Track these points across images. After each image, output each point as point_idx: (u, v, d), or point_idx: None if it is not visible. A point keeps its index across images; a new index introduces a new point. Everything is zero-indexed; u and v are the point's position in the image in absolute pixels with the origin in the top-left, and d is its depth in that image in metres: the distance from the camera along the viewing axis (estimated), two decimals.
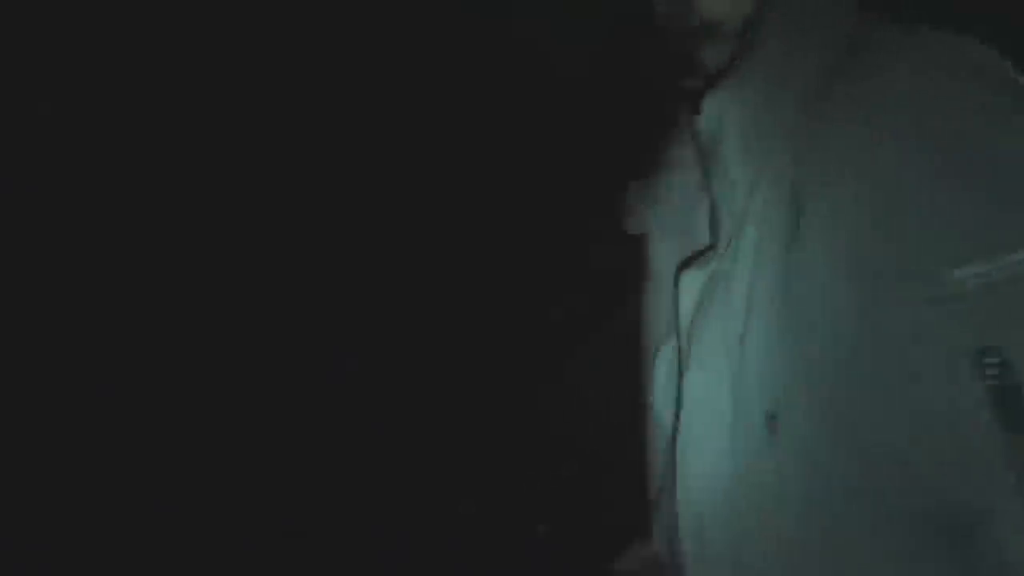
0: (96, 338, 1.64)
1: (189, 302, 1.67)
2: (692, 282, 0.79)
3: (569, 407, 1.52)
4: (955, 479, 0.68)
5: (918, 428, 0.68)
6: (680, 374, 0.79)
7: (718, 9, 0.79)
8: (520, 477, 1.66)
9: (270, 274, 1.69)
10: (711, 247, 0.78)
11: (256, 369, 1.67)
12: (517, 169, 1.59)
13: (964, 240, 0.67)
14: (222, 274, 1.68)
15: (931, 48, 0.73)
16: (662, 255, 0.89)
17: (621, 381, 0.93)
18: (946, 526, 0.70)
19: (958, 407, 0.66)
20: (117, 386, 1.63)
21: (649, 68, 0.85)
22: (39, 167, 1.59)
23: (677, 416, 0.79)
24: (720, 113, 0.80)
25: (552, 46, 0.94)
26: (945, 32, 0.74)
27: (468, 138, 1.64)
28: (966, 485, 0.67)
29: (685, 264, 0.79)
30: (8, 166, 1.56)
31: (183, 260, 1.66)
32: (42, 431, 1.61)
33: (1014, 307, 0.65)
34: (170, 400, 1.64)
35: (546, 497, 1.64)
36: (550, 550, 1.51)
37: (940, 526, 0.70)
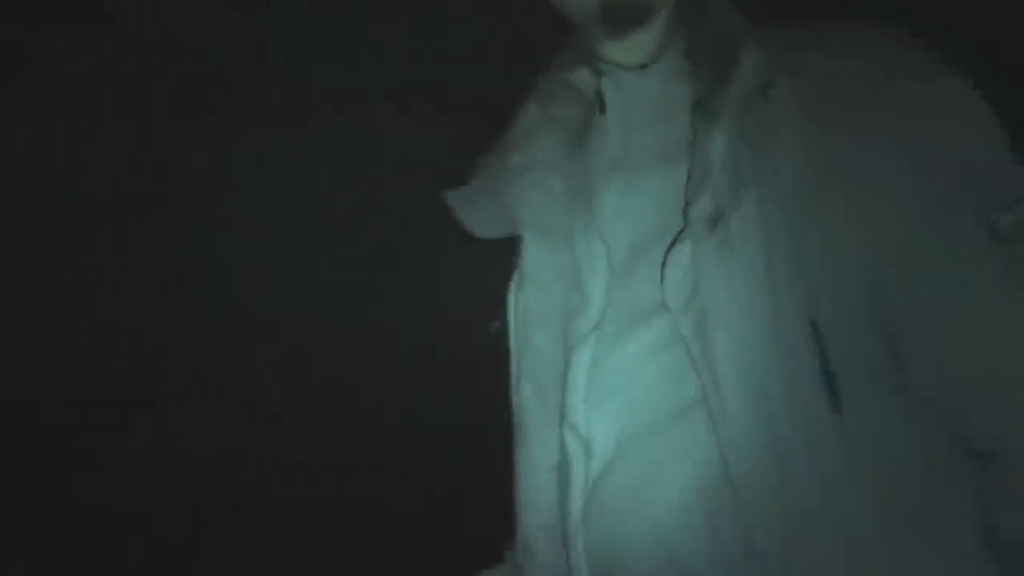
0: None
1: None
2: (677, 259, 0.80)
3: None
4: (996, 407, 0.76)
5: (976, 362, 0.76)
6: (710, 353, 0.78)
7: None
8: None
9: None
10: (686, 226, 0.79)
11: None
12: None
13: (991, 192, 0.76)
14: None
15: (837, 42, 0.81)
16: (534, 255, 0.90)
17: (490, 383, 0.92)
18: (975, 450, 0.77)
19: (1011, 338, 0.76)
20: None
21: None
22: None
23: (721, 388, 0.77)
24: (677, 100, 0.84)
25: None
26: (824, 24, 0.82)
27: None
28: (999, 414, 0.76)
29: (670, 247, 0.80)
30: None
31: None
32: None
33: None
34: None
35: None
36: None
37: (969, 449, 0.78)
